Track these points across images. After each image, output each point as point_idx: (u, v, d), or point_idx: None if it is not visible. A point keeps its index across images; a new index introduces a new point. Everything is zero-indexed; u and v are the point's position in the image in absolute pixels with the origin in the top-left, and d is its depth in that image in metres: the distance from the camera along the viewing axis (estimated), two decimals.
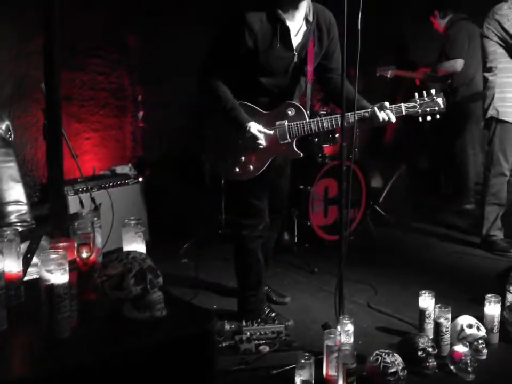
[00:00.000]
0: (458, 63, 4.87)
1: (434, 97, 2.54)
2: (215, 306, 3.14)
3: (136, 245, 1.76)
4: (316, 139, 4.27)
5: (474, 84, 4.90)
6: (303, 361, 2.25)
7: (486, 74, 3.90)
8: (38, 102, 3.73)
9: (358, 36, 2.40)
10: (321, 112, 4.27)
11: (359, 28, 2.39)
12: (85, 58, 4.29)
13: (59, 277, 1.50)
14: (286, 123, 2.63)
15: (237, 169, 2.68)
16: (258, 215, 2.79)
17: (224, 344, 2.63)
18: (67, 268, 1.53)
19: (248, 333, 2.65)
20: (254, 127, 2.58)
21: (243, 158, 2.67)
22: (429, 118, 2.57)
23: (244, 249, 2.84)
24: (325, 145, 4.36)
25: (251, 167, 2.67)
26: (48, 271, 1.50)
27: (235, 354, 2.57)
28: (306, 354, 2.29)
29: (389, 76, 5.00)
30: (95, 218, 1.86)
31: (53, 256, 1.51)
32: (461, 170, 5.14)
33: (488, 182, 3.97)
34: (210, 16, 4.11)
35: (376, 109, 2.55)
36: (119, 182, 4.00)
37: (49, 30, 2.14)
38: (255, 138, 2.58)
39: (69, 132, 4.04)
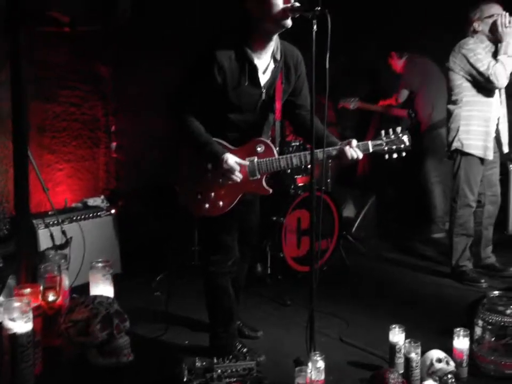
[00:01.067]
0: (403, 94, 5.29)
1: (400, 135, 2.59)
2: (186, 342, 3.12)
3: (103, 288, 1.75)
4: (289, 170, 4.31)
5: (433, 116, 5.15)
6: None
7: (451, 106, 4.00)
8: (9, 133, 3.71)
9: (326, 75, 2.44)
10: (293, 144, 4.33)
11: (327, 66, 2.43)
12: (57, 90, 4.28)
13: (22, 325, 1.49)
14: (255, 159, 2.66)
15: (207, 206, 2.69)
16: (227, 251, 2.79)
17: (195, 383, 2.60)
18: (31, 316, 1.52)
19: (219, 370, 2.63)
20: (232, 159, 2.60)
21: (213, 194, 2.69)
22: (395, 155, 2.61)
23: (213, 285, 2.83)
24: (298, 176, 4.41)
25: (220, 203, 2.69)
26: (11, 319, 1.48)
27: None
28: None
29: (351, 107, 5.11)
30: (62, 261, 1.85)
31: (16, 304, 1.50)
32: (427, 200, 5.27)
33: (455, 213, 4.05)
34: (184, 49, 4.14)
35: (344, 146, 2.59)
36: (91, 215, 3.98)
37: (15, 61, 2.15)
38: (232, 170, 2.60)
39: (42, 163, 4.03)
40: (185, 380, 2.53)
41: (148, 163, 4.44)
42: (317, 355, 2.51)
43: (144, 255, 4.20)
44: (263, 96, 2.67)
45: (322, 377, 2.49)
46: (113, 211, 4.11)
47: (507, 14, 3.76)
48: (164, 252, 4.16)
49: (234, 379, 2.61)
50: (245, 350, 2.90)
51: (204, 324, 3.24)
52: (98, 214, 4.03)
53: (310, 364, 2.49)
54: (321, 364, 2.50)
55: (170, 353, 2.92)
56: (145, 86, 4.38)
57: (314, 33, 2.35)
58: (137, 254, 4.18)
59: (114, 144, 4.59)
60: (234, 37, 2.60)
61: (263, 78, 2.65)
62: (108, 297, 1.69)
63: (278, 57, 2.66)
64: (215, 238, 2.79)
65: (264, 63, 2.64)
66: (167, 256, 4.11)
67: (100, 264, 1.80)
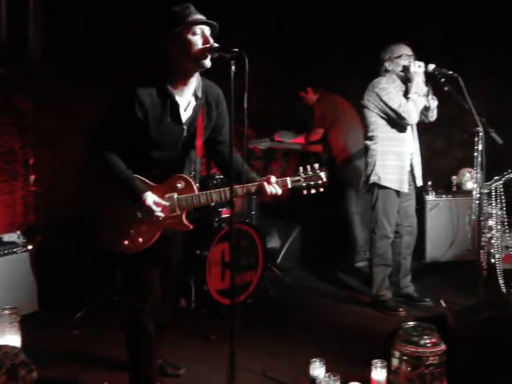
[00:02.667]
0: (318, 133, 5.49)
1: (318, 171, 2.66)
2: (106, 383, 3.02)
3: (10, 337, 1.68)
4: (213, 203, 4.30)
5: (346, 149, 5.38)
6: None
7: (368, 142, 4.16)
8: None
9: (245, 113, 2.48)
10: (217, 177, 4.35)
11: (245, 106, 2.47)
12: None
13: None
14: (175, 196, 2.65)
15: (126, 242, 2.65)
16: (148, 288, 2.74)
17: None
18: None
19: None
20: (151, 198, 2.58)
21: (132, 231, 2.65)
22: (313, 191, 2.68)
23: (133, 323, 2.77)
24: (222, 209, 4.42)
25: (140, 239, 2.65)
26: None
27: None
28: None
29: (262, 147, 5.20)
30: None
31: None
32: (348, 230, 5.43)
33: (375, 244, 4.18)
34: (104, 85, 4.11)
35: (263, 182, 2.63)
36: (5, 251, 3.82)
37: None
38: (152, 209, 2.58)
39: None
40: None
41: (67, 197, 4.32)
42: None
43: (63, 292, 4.06)
44: (185, 133, 2.68)
45: None
46: (30, 247, 3.96)
47: (416, 61, 3.97)
48: (84, 288, 4.04)
49: None
50: None
51: (124, 362, 3.15)
52: (14, 250, 3.88)
53: None
54: None
55: None
56: (66, 120, 4.30)
57: (232, 73, 2.40)
58: (56, 291, 4.03)
59: (32, 177, 4.45)
60: (155, 74, 2.62)
61: (185, 115, 2.67)
62: (13, 347, 1.63)
63: (200, 94, 2.69)
64: (136, 275, 2.74)
65: (186, 100, 2.66)
66: (87, 292, 3.99)
67: (6, 312, 1.72)
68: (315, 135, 5.53)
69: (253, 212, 4.77)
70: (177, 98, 2.62)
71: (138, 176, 2.64)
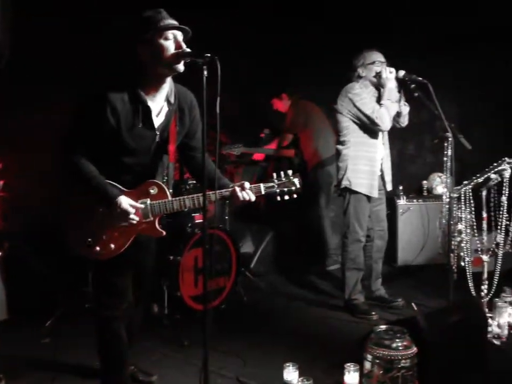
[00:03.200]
0: (288, 138, 5.58)
1: (291, 177, 2.67)
2: None
3: None
4: (186, 208, 4.29)
5: (317, 154, 5.41)
6: None
7: (340, 147, 4.20)
8: None
9: (217, 118, 2.48)
10: (190, 182, 4.33)
11: (218, 111, 2.47)
12: None
13: None
14: (148, 201, 2.64)
15: (98, 248, 2.62)
16: (120, 294, 2.73)
17: None
18: None
19: None
20: (125, 202, 2.56)
21: (104, 237, 2.63)
22: (286, 197, 2.69)
23: (105, 330, 2.75)
24: (195, 214, 4.41)
25: (112, 246, 2.63)
26: None
27: None
28: None
29: (235, 153, 5.21)
30: None
31: None
32: (319, 233, 5.48)
33: (347, 248, 4.22)
34: (75, 89, 4.07)
35: (236, 188, 2.64)
36: None
37: None
38: (126, 213, 2.56)
39: None
40: None
41: (37, 203, 4.26)
42: None
43: (33, 299, 3.99)
44: (157, 138, 2.67)
45: None
46: None
47: (388, 67, 4.03)
48: (55, 295, 3.98)
49: None
50: None
51: (95, 370, 3.11)
52: None
53: None
54: None
55: None
56: (35, 125, 4.25)
57: (205, 78, 2.40)
58: (26, 298, 3.96)
59: (1, 183, 4.37)
60: (127, 79, 2.60)
61: (157, 121, 2.66)
62: None
63: (172, 100, 2.68)
64: (108, 282, 2.72)
65: (158, 105, 2.65)
66: (57, 299, 3.93)
67: None
68: (285, 140, 5.59)
69: (226, 217, 4.77)
70: (150, 103, 2.60)
71: (110, 182, 2.62)
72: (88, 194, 2.61)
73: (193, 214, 4.36)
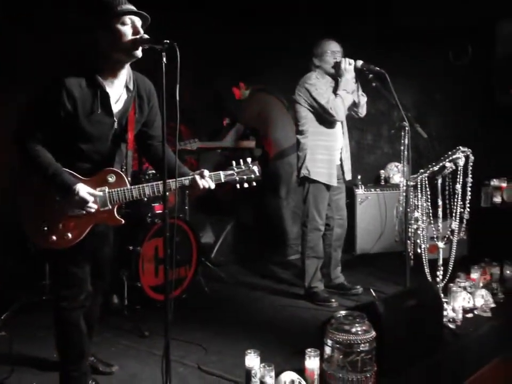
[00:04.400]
0: (238, 127, 5.58)
1: (251, 165, 2.68)
2: (34, 383, 2.94)
3: None
4: (145, 198, 4.25)
5: (277, 145, 5.48)
6: None
7: (299, 136, 4.23)
8: None
9: (177, 105, 2.46)
10: (149, 172, 4.29)
11: (177, 98, 2.46)
12: None
13: None
14: (107, 190, 2.60)
15: (54, 238, 2.57)
16: (78, 285, 2.68)
17: None
18: None
19: None
20: (83, 189, 2.52)
21: (60, 225, 2.58)
22: (246, 185, 2.69)
23: (63, 321, 2.70)
24: (155, 204, 4.37)
25: (69, 234, 2.58)
26: None
27: None
28: None
29: (191, 148, 5.19)
30: None
31: None
32: (279, 223, 5.52)
33: (306, 237, 4.26)
34: (31, 76, 3.98)
35: (196, 176, 2.63)
36: None
37: None
38: (84, 201, 2.52)
39: None
40: None
41: None
42: None
43: None
44: (115, 125, 2.63)
45: None
46: None
47: (347, 58, 4.07)
48: (11, 287, 3.90)
49: None
50: None
51: (53, 362, 3.07)
52: None
53: None
54: None
55: None
56: None
57: (164, 65, 2.38)
58: None
59: None
60: (85, 64, 2.55)
61: (116, 107, 2.62)
62: None
63: (131, 87, 2.65)
64: (65, 272, 2.67)
65: (117, 92, 2.61)
66: (14, 292, 3.85)
67: None
68: (239, 131, 5.60)
69: (186, 207, 4.75)
70: (108, 89, 2.56)
71: (67, 170, 2.57)
72: (45, 182, 2.56)
73: (152, 204, 4.32)
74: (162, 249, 4.12)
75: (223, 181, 2.67)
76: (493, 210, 5.09)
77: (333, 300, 4.19)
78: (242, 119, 5.62)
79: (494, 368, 3.63)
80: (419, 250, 4.19)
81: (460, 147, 3.92)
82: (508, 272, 4.35)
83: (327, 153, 4.15)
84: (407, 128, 3.85)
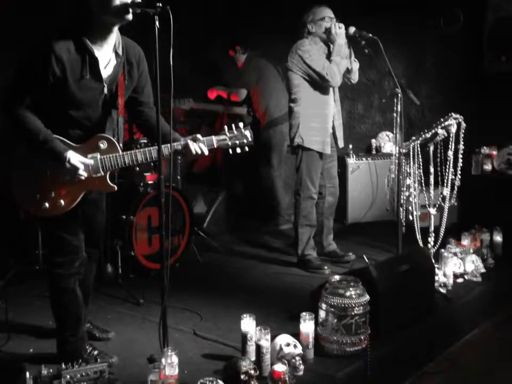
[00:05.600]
0: (241, 93, 5.50)
1: (243, 130, 2.67)
2: (31, 350, 2.95)
3: None
4: (137, 168, 4.24)
5: (269, 112, 5.37)
6: None
7: (292, 104, 4.20)
8: None
9: (171, 70, 2.43)
10: (141, 141, 4.25)
11: (171, 63, 2.43)
12: None
13: None
14: (99, 156, 2.58)
15: (47, 205, 2.56)
16: (73, 252, 2.68)
17: None
18: None
19: (68, 376, 2.51)
20: (74, 158, 2.50)
21: (53, 193, 2.57)
22: (238, 150, 2.69)
23: (59, 288, 2.71)
24: (147, 174, 4.35)
25: (62, 202, 2.57)
26: None
27: None
28: None
29: (184, 108, 5.15)
30: None
31: None
32: (271, 193, 5.52)
33: (299, 206, 4.26)
34: (19, 41, 3.91)
35: (189, 141, 2.62)
36: None
37: None
38: (75, 169, 2.50)
39: None
40: None
41: None
42: (170, 350, 2.51)
43: None
44: (105, 91, 2.60)
45: (176, 372, 2.50)
46: None
47: (338, 22, 4.03)
48: (4, 257, 3.89)
49: (85, 383, 2.52)
50: (95, 352, 2.81)
51: (49, 330, 3.09)
52: None
53: (163, 360, 2.48)
54: (174, 359, 2.50)
55: (13, 364, 2.74)
56: None
57: (156, 29, 2.36)
58: None
59: None
60: (73, 28, 2.50)
61: (105, 72, 2.58)
62: None
63: (120, 52, 2.61)
64: (60, 239, 2.67)
65: (106, 57, 2.57)
66: (7, 261, 3.85)
67: None
68: (235, 95, 5.53)
69: (178, 177, 4.74)
70: (97, 53, 2.52)
71: (58, 136, 2.54)
72: (35, 150, 2.53)
73: (145, 174, 4.31)
74: (155, 218, 4.17)
75: (215, 146, 2.67)
76: (483, 178, 5.11)
77: (326, 267, 4.22)
78: (239, 84, 5.52)
79: (484, 332, 3.70)
80: (411, 218, 4.22)
81: (452, 113, 3.93)
82: (498, 238, 4.40)
83: (320, 121, 4.14)
84: (399, 95, 3.84)
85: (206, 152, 2.65)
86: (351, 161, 5.61)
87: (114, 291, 3.81)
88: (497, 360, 3.32)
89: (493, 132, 5.06)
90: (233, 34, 5.67)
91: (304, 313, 2.84)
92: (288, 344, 2.74)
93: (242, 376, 2.49)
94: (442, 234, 4.17)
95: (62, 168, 2.52)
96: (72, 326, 2.75)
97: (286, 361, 2.61)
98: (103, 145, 2.61)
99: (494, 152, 5.13)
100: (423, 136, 3.97)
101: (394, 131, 3.96)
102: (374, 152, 5.92)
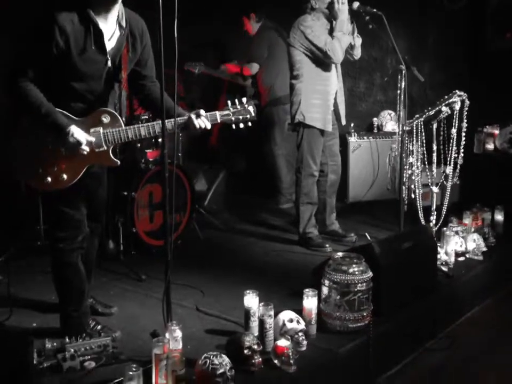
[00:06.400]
0: (254, 67, 5.36)
1: (246, 105, 2.65)
2: (34, 324, 2.95)
3: None
4: (139, 144, 4.22)
5: (273, 89, 5.30)
6: (130, 373, 2.20)
7: (293, 81, 4.16)
8: None
9: (175, 41, 2.40)
10: (143, 117, 4.22)
11: (175, 35, 2.39)
12: None
13: None
14: (101, 130, 2.55)
15: (49, 179, 2.54)
16: (75, 226, 2.67)
17: (45, 365, 2.47)
18: None
19: (72, 350, 2.52)
20: (77, 131, 2.48)
21: (55, 167, 2.54)
22: (241, 125, 2.66)
23: (62, 263, 2.70)
24: (148, 150, 4.32)
25: (64, 176, 2.55)
26: None
27: (58, 374, 2.44)
28: (134, 365, 2.24)
29: (196, 71, 5.12)
30: None
31: None
32: (273, 171, 5.49)
33: (300, 183, 4.24)
34: (21, 14, 3.86)
35: (192, 116, 2.59)
36: None
37: None
38: (78, 143, 2.48)
39: None
40: (34, 362, 2.40)
41: None
42: (174, 324, 2.51)
43: None
44: (109, 63, 2.57)
45: (180, 346, 2.50)
46: None
47: None
48: (6, 232, 3.88)
49: (89, 357, 2.52)
50: (99, 327, 2.81)
51: (52, 304, 3.08)
52: None
53: (167, 334, 2.48)
54: (178, 333, 2.50)
55: (16, 338, 2.74)
56: None
57: (160, 1, 2.32)
58: None
59: None
60: None
61: (109, 45, 2.54)
62: None
63: (124, 24, 2.57)
64: (62, 213, 2.65)
65: (110, 29, 2.53)
66: (9, 237, 3.83)
67: None
68: (247, 69, 5.41)
69: (180, 154, 4.71)
70: (101, 25, 2.48)
71: (61, 110, 2.51)
72: (37, 123, 2.50)
73: (146, 150, 4.28)
74: (156, 195, 4.15)
75: (219, 121, 2.64)
76: (485, 156, 5.10)
77: (327, 245, 4.21)
78: (249, 52, 5.39)
79: (485, 309, 3.72)
80: (412, 196, 4.22)
81: (457, 91, 3.91)
82: (499, 217, 4.41)
83: (322, 98, 4.10)
84: (403, 72, 3.80)
85: (209, 127, 2.63)
86: (352, 139, 5.58)
87: (116, 267, 3.81)
88: (498, 337, 3.34)
89: (495, 110, 5.04)
90: (239, 3, 5.53)
91: (307, 290, 2.84)
92: (291, 320, 2.74)
93: (245, 351, 2.49)
94: (444, 213, 4.17)
95: (64, 142, 2.49)
96: (75, 301, 2.75)
97: (289, 337, 2.62)
98: (105, 119, 2.58)
99: (496, 131, 5.11)
100: (427, 113, 3.95)
101: (397, 108, 3.93)
102: (375, 130, 5.89)
